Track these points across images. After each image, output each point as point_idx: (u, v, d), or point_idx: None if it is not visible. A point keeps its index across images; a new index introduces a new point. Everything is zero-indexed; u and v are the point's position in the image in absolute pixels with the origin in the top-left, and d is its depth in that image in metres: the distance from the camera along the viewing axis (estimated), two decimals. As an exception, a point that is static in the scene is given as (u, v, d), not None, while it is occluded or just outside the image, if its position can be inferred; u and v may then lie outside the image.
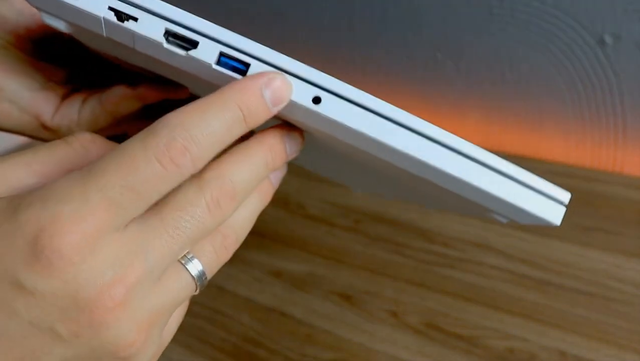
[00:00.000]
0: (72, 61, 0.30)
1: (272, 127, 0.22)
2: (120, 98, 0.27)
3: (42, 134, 0.29)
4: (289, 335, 0.44)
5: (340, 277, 0.49)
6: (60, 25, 0.21)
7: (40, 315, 0.16)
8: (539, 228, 0.49)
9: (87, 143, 0.20)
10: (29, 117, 0.28)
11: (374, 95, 0.19)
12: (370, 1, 0.61)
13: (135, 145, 0.17)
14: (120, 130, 0.32)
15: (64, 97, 0.29)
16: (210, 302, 0.48)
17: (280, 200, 0.56)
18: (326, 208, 0.56)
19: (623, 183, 0.53)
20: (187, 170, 0.17)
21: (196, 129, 0.17)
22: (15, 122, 0.28)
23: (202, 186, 0.18)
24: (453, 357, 0.41)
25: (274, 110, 0.19)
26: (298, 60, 0.20)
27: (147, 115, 0.31)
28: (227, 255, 0.21)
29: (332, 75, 0.20)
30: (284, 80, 0.19)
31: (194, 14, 0.20)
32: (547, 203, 0.20)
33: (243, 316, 0.46)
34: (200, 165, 0.18)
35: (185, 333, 0.45)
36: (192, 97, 0.29)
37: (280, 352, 0.43)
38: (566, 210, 0.20)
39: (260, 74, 0.19)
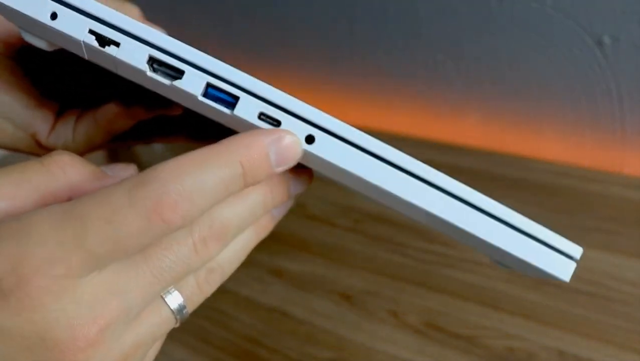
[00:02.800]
0: (66, 78, 0.29)
1: None
2: (114, 116, 0.26)
3: (37, 152, 0.28)
4: (289, 335, 0.45)
5: (341, 277, 0.49)
6: (41, 45, 0.20)
7: (6, 353, 0.15)
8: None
9: (64, 165, 0.18)
10: (24, 135, 0.27)
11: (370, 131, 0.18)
12: (370, 1, 0.61)
13: (121, 195, 0.16)
14: (115, 146, 0.31)
15: (59, 115, 0.28)
16: (211, 302, 0.48)
17: (280, 200, 0.56)
18: (326, 208, 0.56)
19: (622, 183, 0.54)
20: (175, 226, 0.16)
21: (190, 185, 0.16)
22: (9, 140, 0.27)
23: (191, 225, 0.17)
24: (453, 357, 0.41)
25: (278, 170, 0.18)
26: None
27: (142, 130, 0.30)
28: (210, 290, 0.20)
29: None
30: (294, 140, 0.18)
31: (183, 41, 0.19)
32: (557, 258, 0.18)
33: (244, 316, 0.47)
34: (190, 221, 0.16)
35: (187, 333, 0.45)
36: (186, 112, 0.29)
37: (281, 351, 0.43)
38: (577, 265, 0.18)
39: (269, 131, 0.18)
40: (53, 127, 0.28)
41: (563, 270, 0.18)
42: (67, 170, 0.18)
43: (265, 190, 0.19)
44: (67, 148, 0.28)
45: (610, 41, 0.51)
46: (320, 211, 0.56)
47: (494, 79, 0.60)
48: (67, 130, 0.28)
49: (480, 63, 0.59)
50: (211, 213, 0.18)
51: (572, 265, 0.18)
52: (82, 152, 0.28)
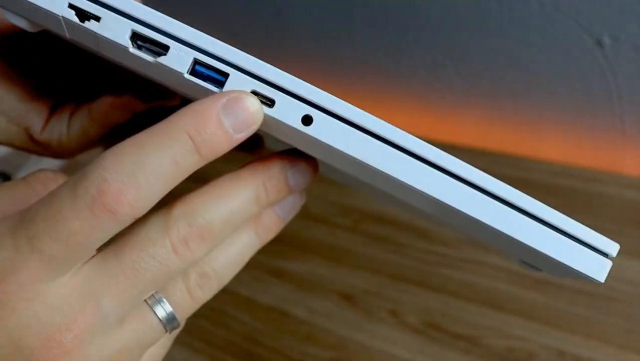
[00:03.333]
0: (60, 72, 0.29)
1: (272, 155, 0.19)
2: (109, 108, 0.26)
3: (31, 147, 0.28)
4: (289, 334, 0.45)
5: (340, 277, 0.49)
6: (22, 24, 0.19)
7: None
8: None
9: (47, 181, 0.18)
10: (18, 129, 0.27)
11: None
12: (370, 2, 0.61)
13: (64, 192, 0.15)
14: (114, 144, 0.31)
15: (53, 110, 0.27)
16: (211, 302, 0.48)
17: (280, 200, 0.56)
18: (326, 208, 0.56)
19: (622, 184, 0.54)
20: (126, 216, 0.15)
21: (132, 167, 0.15)
22: (3, 133, 0.27)
23: (168, 223, 0.16)
24: (453, 356, 0.41)
25: (239, 137, 0.16)
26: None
27: (140, 123, 0.30)
28: (203, 297, 0.18)
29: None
30: (251, 101, 0.16)
31: (177, 18, 0.17)
32: (590, 255, 0.16)
33: (244, 316, 0.47)
34: (144, 208, 0.15)
35: (186, 333, 0.45)
36: (184, 103, 0.29)
37: (281, 351, 0.43)
38: (612, 264, 0.16)
39: (218, 94, 0.16)
40: (47, 122, 0.27)
41: (597, 269, 0.16)
42: (49, 185, 0.18)
43: (257, 183, 0.18)
44: (61, 143, 0.27)
45: (610, 41, 0.51)
46: (320, 211, 0.56)
47: (493, 79, 0.60)
48: (62, 124, 0.27)
49: (480, 63, 0.59)
50: (189, 209, 0.17)
51: (608, 264, 0.16)
52: (77, 147, 0.28)
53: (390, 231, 0.53)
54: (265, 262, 0.51)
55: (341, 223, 0.55)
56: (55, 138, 0.27)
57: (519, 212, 0.16)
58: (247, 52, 0.17)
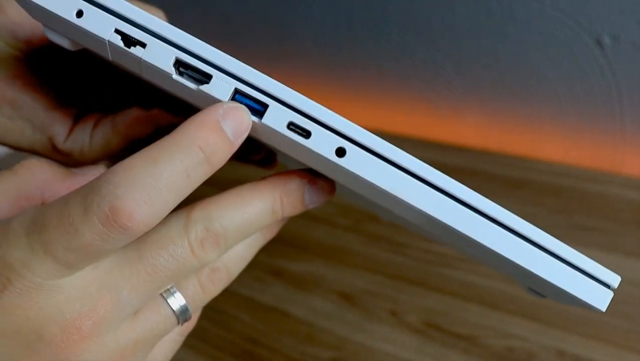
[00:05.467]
0: (86, 82, 0.29)
1: (292, 171, 0.19)
2: (133, 121, 0.26)
3: (53, 155, 0.28)
4: (289, 334, 0.45)
5: (340, 277, 0.49)
6: (63, 43, 0.20)
7: (6, 353, 0.15)
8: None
9: (32, 167, 0.19)
10: (42, 137, 0.27)
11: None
12: (370, 2, 0.61)
13: (76, 204, 0.15)
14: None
15: (77, 120, 0.28)
16: (211, 301, 0.48)
17: (280, 200, 0.56)
18: (326, 207, 0.56)
19: (622, 183, 0.54)
20: (138, 231, 0.15)
21: (145, 183, 0.15)
22: (27, 141, 0.27)
23: (187, 225, 0.17)
24: (452, 356, 0.41)
25: (237, 144, 0.17)
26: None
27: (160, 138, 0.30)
28: (214, 290, 0.20)
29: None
30: (241, 108, 0.17)
31: (202, 39, 0.18)
32: (594, 286, 0.18)
33: (243, 316, 0.47)
34: (156, 222, 0.16)
35: (186, 333, 0.45)
36: None
37: (281, 351, 0.43)
38: (614, 295, 0.18)
39: (214, 106, 0.17)
40: (71, 131, 0.27)
41: (600, 299, 0.18)
42: (35, 171, 0.19)
43: (275, 197, 0.19)
44: (82, 153, 0.27)
45: (610, 41, 0.51)
46: (320, 211, 0.56)
47: (493, 79, 0.60)
48: (85, 134, 0.27)
49: (480, 63, 0.59)
50: (208, 213, 0.17)
51: (610, 295, 0.18)
52: (98, 157, 0.28)
53: (390, 231, 0.53)
54: (265, 262, 0.51)
55: (341, 223, 0.55)
56: (78, 148, 0.27)
57: (532, 245, 0.17)
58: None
